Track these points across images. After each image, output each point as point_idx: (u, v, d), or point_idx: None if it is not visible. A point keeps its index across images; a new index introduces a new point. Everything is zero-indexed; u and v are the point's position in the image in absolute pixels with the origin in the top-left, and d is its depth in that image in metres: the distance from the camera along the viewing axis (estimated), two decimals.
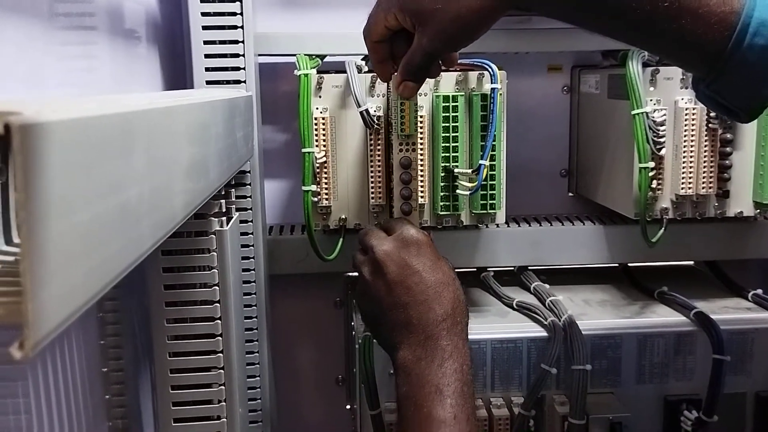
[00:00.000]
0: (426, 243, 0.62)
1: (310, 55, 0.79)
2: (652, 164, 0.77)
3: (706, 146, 0.79)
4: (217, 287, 0.58)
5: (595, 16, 0.55)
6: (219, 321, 0.58)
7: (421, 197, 0.76)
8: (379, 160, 0.77)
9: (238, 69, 0.75)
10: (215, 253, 0.57)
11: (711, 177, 0.79)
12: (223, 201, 0.59)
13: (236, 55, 0.75)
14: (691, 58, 0.54)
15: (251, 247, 0.79)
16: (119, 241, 0.28)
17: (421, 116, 0.75)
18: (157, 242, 0.33)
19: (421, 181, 0.76)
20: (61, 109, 0.23)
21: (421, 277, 0.60)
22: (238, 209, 0.75)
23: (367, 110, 0.74)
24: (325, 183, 0.77)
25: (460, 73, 0.76)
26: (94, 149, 0.26)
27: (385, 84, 0.76)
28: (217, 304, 0.58)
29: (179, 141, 0.39)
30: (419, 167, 0.75)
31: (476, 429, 0.55)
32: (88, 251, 0.24)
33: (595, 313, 0.82)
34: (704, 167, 0.79)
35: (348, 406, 0.90)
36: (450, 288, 0.60)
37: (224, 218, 0.59)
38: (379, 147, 0.77)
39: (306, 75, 0.75)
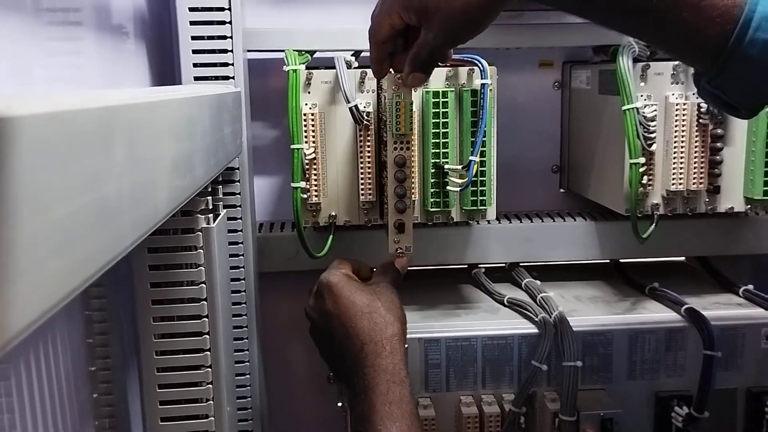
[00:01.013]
0: (335, 284, 0.65)
1: (299, 51, 0.78)
2: (642, 160, 0.77)
3: (696, 142, 0.78)
4: (204, 285, 0.57)
5: (594, 8, 0.54)
6: (206, 319, 0.58)
7: (412, 194, 0.76)
8: (369, 157, 0.76)
9: (226, 65, 0.75)
10: (202, 251, 0.57)
11: (702, 172, 0.79)
12: (209, 198, 0.58)
13: (224, 51, 0.74)
14: (692, 53, 0.54)
15: (240, 245, 0.78)
16: (96, 238, 0.27)
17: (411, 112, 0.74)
18: (138, 239, 0.33)
19: (412, 179, 0.75)
20: (34, 104, 0.23)
21: (337, 319, 0.63)
22: (226, 206, 0.75)
23: (356, 106, 0.74)
24: (315, 179, 0.77)
25: (450, 68, 0.75)
26: (69, 144, 0.25)
27: (375, 80, 0.75)
28: (204, 302, 0.57)
29: (162, 137, 0.39)
30: (410, 164, 0.75)
31: None
32: (61, 248, 0.24)
33: (587, 310, 0.82)
34: (695, 163, 0.79)
35: (339, 404, 0.89)
36: (364, 317, 0.62)
37: (211, 215, 0.58)
38: (369, 143, 0.76)
39: (294, 70, 0.74)
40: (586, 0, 0.54)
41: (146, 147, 0.35)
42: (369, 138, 0.76)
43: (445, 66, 0.75)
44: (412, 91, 0.68)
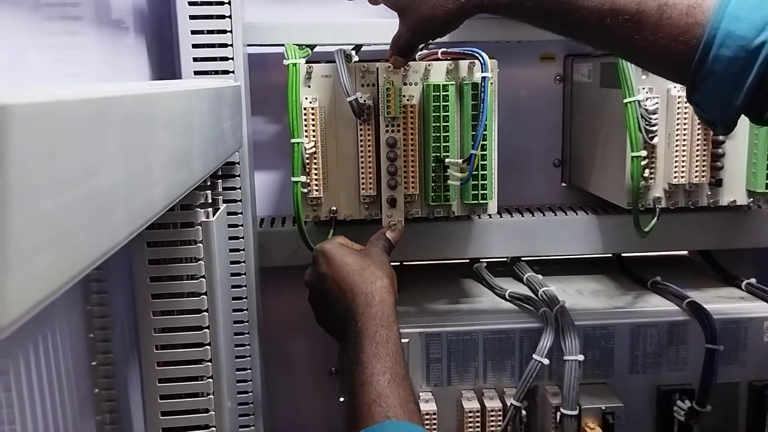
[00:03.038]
0: (328, 249, 0.69)
1: (299, 45, 0.78)
2: (644, 153, 0.77)
3: (698, 134, 0.78)
4: (203, 279, 0.57)
5: (562, 28, 0.58)
6: (206, 313, 0.58)
7: (412, 188, 0.76)
8: (369, 150, 0.76)
9: (226, 59, 0.74)
10: (201, 245, 0.57)
11: (704, 165, 0.79)
12: (209, 192, 0.58)
13: (224, 45, 0.74)
14: (662, 69, 0.56)
15: (241, 239, 0.78)
16: (90, 231, 0.27)
17: (412, 106, 0.74)
18: (134, 232, 0.33)
19: (412, 172, 0.75)
20: (26, 93, 0.23)
21: (331, 279, 0.67)
22: (226, 201, 0.74)
23: (356, 99, 0.73)
24: (315, 174, 0.77)
25: (450, 62, 0.75)
26: (61, 135, 0.25)
27: (375, 73, 0.75)
28: (204, 296, 0.57)
29: (158, 129, 0.39)
30: (410, 157, 0.75)
31: (397, 374, 0.59)
32: (53, 241, 0.24)
33: (588, 304, 0.82)
34: (697, 156, 0.78)
35: (342, 399, 0.90)
36: (356, 273, 0.66)
37: (211, 209, 0.58)
38: (369, 137, 0.76)
39: (294, 64, 0.74)
40: (554, 23, 0.57)
41: (141, 139, 0.35)
42: (369, 131, 0.76)
43: (446, 59, 0.75)
44: (402, 77, 0.74)
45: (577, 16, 0.54)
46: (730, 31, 0.50)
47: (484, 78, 0.72)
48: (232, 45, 0.74)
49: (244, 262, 0.79)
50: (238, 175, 0.77)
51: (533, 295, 0.82)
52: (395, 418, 0.55)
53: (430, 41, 0.73)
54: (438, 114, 0.74)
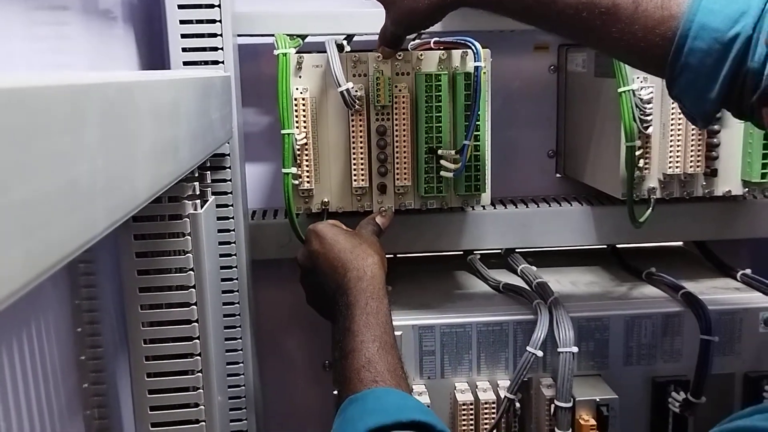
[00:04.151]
0: (321, 229, 0.70)
1: (290, 35, 0.77)
2: (638, 143, 0.76)
3: None
4: (192, 272, 0.56)
5: (540, 21, 0.59)
6: (195, 306, 0.57)
7: (405, 179, 0.75)
8: (361, 141, 0.75)
9: (216, 49, 0.73)
10: (189, 237, 0.56)
11: (699, 155, 0.78)
12: (196, 183, 0.57)
13: (214, 35, 0.73)
14: (640, 62, 0.57)
15: (232, 232, 0.77)
16: (66, 222, 0.26)
17: (404, 96, 0.74)
18: (114, 224, 0.32)
19: (405, 163, 0.75)
20: None
21: (323, 257, 0.68)
22: (217, 193, 0.74)
23: (347, 90, 0.73)
24: (306, 165, 0.76)
25: (443, 51, 0.74)
26: (34, 122, 0.24)
27: (367, 63, 0.74)
28: (193, 290, 0.57)
29: (141, 118, 0.38)
30: (402, 148, 0.74)
31: (386, 343, 0.60)
32: (26, 231, 0.23)
33: (583, 295, 0.81)
34: (692, 146, 0.78)
35: (335, 391, 0.89)
36: (347, 251, 0.67)
37: (198, 201, 0.57)
38: (361, 128, 0.75)
39: (284, 54, 0.73)
40: (533, 17, 0.58)
41: (123, 128, 0.34)
42: (361, 122, 0.75)
43: (438, 48, 0.74)
44: (394, 66, 0.74)
45: (555, 10, 0.55)
46: (705, 24, 0.50)
47: (477, 68, 0.71)
48: (221, 35, 0.73)
49: (235, 255, 0.78)
50: (229, 167, 0.76)
51: (527, 287, 0.81)
52: (383, 384, 0.55)
53: (418, 32, 0.74)
54: (430, 104, 0.73)
